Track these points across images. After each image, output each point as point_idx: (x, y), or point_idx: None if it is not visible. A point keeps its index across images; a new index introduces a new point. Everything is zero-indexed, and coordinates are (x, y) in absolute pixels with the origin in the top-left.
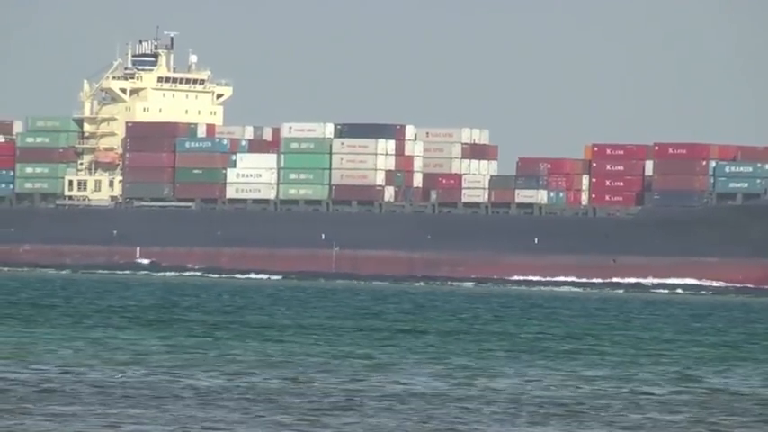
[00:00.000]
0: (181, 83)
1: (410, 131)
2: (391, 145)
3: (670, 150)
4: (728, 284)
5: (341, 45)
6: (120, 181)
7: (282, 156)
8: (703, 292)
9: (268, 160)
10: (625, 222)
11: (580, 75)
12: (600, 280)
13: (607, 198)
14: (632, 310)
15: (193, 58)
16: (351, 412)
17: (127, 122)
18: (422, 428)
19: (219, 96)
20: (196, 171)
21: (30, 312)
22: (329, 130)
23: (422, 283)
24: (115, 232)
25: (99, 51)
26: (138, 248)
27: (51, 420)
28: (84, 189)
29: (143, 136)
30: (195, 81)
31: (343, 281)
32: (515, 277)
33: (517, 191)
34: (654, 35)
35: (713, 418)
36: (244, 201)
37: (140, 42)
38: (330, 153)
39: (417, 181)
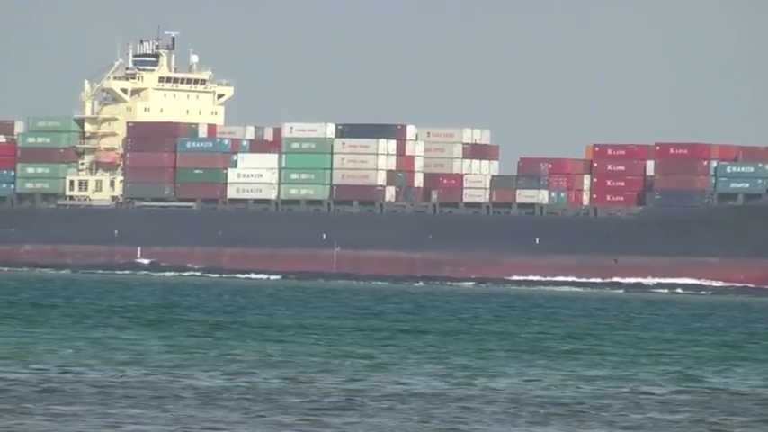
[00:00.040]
0: (182, 83)
1: (411, 131)
2: (392, 145)
3: (671, 150)
4: (729, 284)
5: (342, 45)
6: (121, 181)
7: (283, 156)
8: (703, 292)
9: (269, 160)
10: (626, 222)
11: (581, 75)
12: (601, 280)
13: (608, 198)
14: (633, 310)
15: (194, 59)
16: (351, 412)
17: (128, 122)
18: (422, 428)
19: (220, 96)
20: (197, 171)
21: (30, 312)
22: (330, 130)
23: (421, 283)
24: (116, 232)
25: (100, 51)
26: (139, 248)
27: (52, 420)
28: (86, 189)
29: (144, 136)
30: (196, 81)
31: (342, 281)
32: (516, 277)
33: (518, 191)
34: (655, 35)
35: (714, 417)
36: (245, 201)
37: (141, 42)
38: (331, 153)
39: (418, 181)
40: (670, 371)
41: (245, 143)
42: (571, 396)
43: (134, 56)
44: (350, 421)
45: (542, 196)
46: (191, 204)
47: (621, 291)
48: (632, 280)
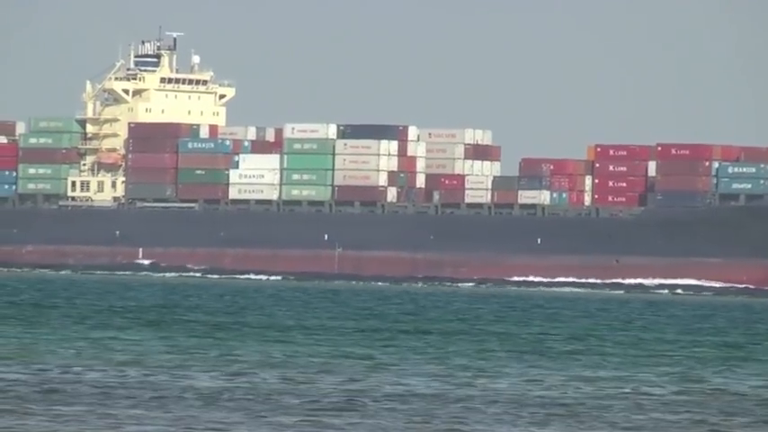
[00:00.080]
0: (183, 83)
1: (413, 132)
2: (394, 146)
3: (673, 151)
4: (731, 285)
5: (344, 46)
6: (122, 182)
7: (285, 156)
8: (705, 293)
9: (271, 161)
10: (628, 223)
11: (583, 75)
12: (603, 281)
13: (610, 199)
14: (634, 311)
15: (196, 59)
16: (352, 413)
17: (129, 123)
18: (423, 429)
19: (222, 97)
20: (199, 172)
21: (31, 313)
22: (332, 130)
23: (420, 284)
24: (118, 233)
25: (101, 52)
26: (140, 249)
27: (53, 421)
28: (87, 190)
29: (146, 137)
30: (198, 82)
31: (341, 281)
32: (518, 278)
33: (520, 191)
34: (656, 35)
35: (715, 418)
36: (246, 201)
37: (143, 43)
38: (333, 154)
39: (420, 182)
40: (671, 371)
41: (246, 144)
42: (572, 397)
43: (135, 56)
44: (351, 422)
45: (544, 197)
46: (192, 205)
47: (622, 291)
48: (634, 281)
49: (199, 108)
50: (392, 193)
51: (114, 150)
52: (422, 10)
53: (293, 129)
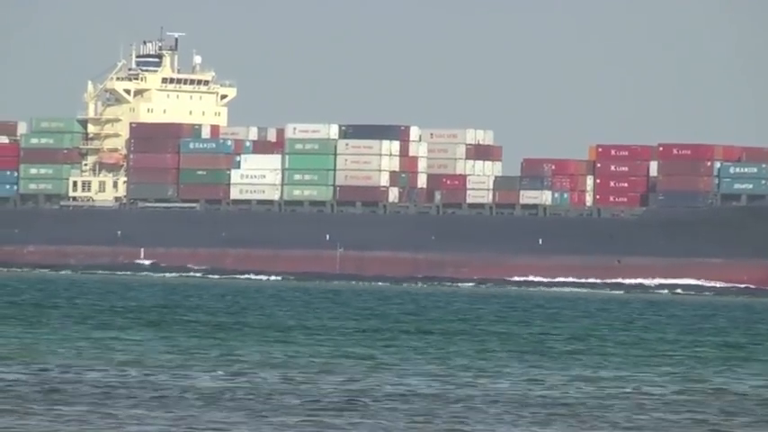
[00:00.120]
0: (185, 84)
1: (414, 132)
2: (395, 146)
3: (674, 151)
4: (733, 285)
5: (345, 46)
6: (124, 182)
7: (287, 157)
8: (705, 293)
9: (272, 161)
10: (629, 223)
11: (584, 75)
12: (604, 281)
13: (611, 199)
14: (635, 311)
15: (197, 59)
16: (353, 413)
17: (131, 123)
18: (425, 429)
19: (224, 97)
20: (200, 172)
21: (32, 313)
22: (333, 130)
23: (420, 284)
24: (119, 233)
25: (103, 52)
26: (142, 249)
27: (54, 421)
28: (89, 190)
29: (147, 137)
30: (199, 82)
31: (341, 282)
32: (520, 278)
33: (521, 192)
34: (658, 36)
35: (716, 418)
36: (248, 202)
37: (144, 43)
38: (334, 154)
39: (422, 182)
40: (672, 371)
41: (248, 144)
42: (573, 397)
43: (137, 56)
44: (352, 422)
45: (545, 197)
46: (194, 205)
47: (623, 291)
48: (635, 281)
49: (200, 108)
50: (394, 194)
51: (116, 150)
52: (423, 10)
53: (295, 129)
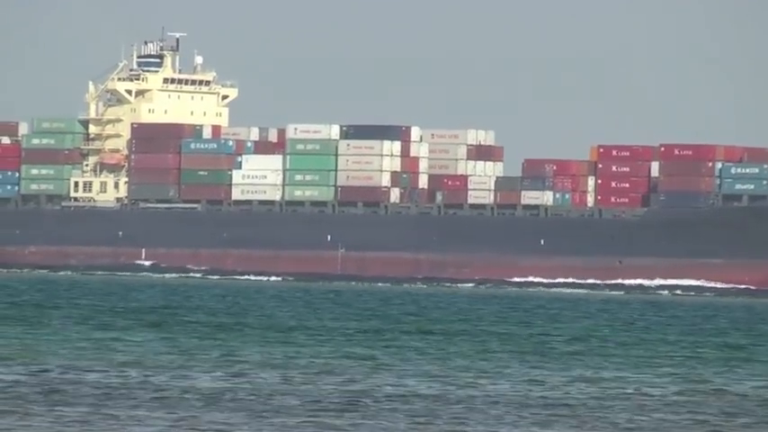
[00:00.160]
0: (186, 84)
1: (416, 133)
2: (397, 146)
3: (676, 152)
4: (735, 286)
5: (346, 46)
6: (125, 182)
7: (288, 157)
8: (707, 293)
9: (274, 161)
10: (631, 224)
11: (585, 76)
12: (606, 281)
13: (613, 199)
14: (636, 312)
15: (199, 60)
16: (354, 413)
17: (132, 124)
18: (425, 429)
19: (225, 98)
20: (202, 172)
21: (33, 314)
22: (335, 131)
23: (419, 284)
24: (120, 234)
25: (104, 53)
26: (143, 250)
27: (55, 421)
28: (90, 190)
29: (148, 137)
30: (201, 82)
31: (340, 282)
32: (521, 279)
33: (523, 192)
34: (660, 36)
35: (717, 419)
36: (249, 202)
37: (145, 43)
38: (336, 154)
39: (423, 182)
40: (673, 372)
41: (249, 144)
42: (574, 398)
43: (138, 57)
44: (353, 422)
45: (547, 197)
46: (195, 206)
47: (626, 292)
48: (638, 281)
49: (202, 108)
50: (395, 194)
51: (117, 151)
52: (425, 10)
53: (296, 129)
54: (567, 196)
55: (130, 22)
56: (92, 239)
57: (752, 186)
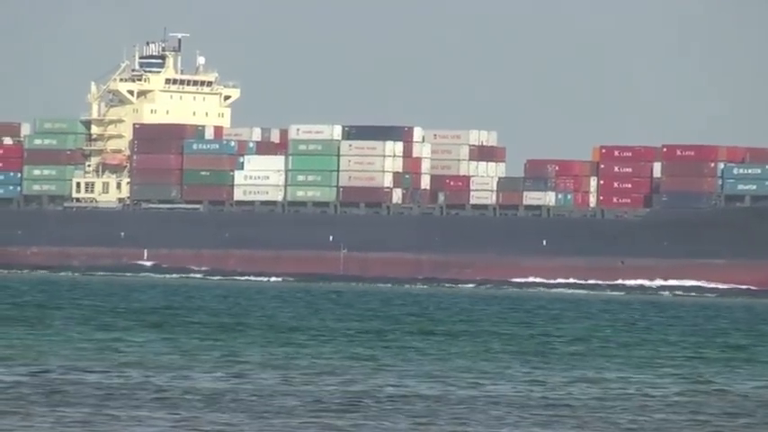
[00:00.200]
0: (188, 84)
1: (418, 133)
2: (399, 147)
3: (678, 152)
4: (736, 286)
5: (348, 46)
6: (127, 183)
7: (290, 157)
8: (707, 294)
9: (276, 162)
10: (633, 224)
11: (588, 76)
12: (608, 282)
13: (615, 200)
14: (638, 312)
15: (201, 60)
16: (356, 414)
17: (134, 124)
18: (427, 430)
19: (227, 98)
20: (204, 173)
21: (35, 314)
22: (337, 131)
23: (420, 285)
24: (123, 234)
25: (106, 53)
26: (145, 250)
27: (57, 422)
28: (92, 191)
29: (150, 138)
30: (203, 83)
31: (340, 283)
32: (523, 279)
33: (525, 193)
34: (661, 36)
35: (719, 419)
36: (251, 203)
37: (147, 44)
38: (338, 155)
39: (425, 183)
40: (675, 373)
41: (251, 145)
42: (576, 398)
43: (140, 57)
44: (354, 423)
45: (549, 198)
46: (197, 206)
47: (628, 293)
48: (640, 282)
49: (204, 109)
50: (397, 195)
51: (119, 151)
52: (427, 11)
53: (298, 130)
54: (569, 197)
55: (132, 23)
56: (94, 240)
57: (754, 187)
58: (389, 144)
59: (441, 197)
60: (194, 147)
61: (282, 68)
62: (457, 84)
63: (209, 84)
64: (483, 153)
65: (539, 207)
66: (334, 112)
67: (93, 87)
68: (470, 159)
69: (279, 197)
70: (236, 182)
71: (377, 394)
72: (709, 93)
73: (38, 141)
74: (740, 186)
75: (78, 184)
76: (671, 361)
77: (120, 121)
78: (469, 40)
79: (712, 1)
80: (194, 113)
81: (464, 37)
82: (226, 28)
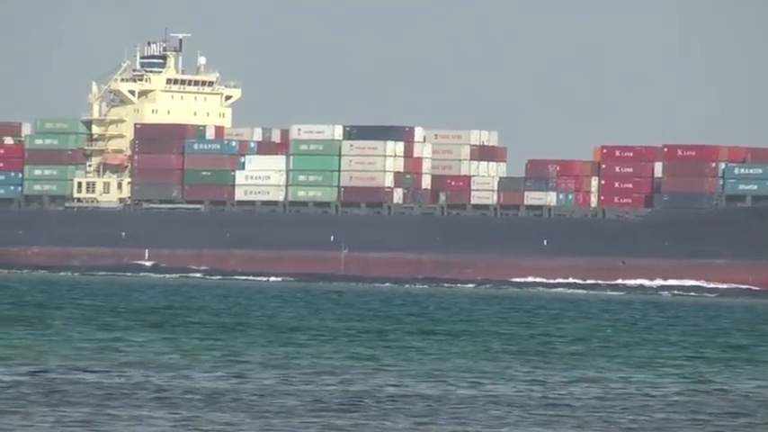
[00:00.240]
0: (189, 84)
1: (419, 133)
2: (400, 147)
3: (679, 152)
4: (737, 286)
5: (349, 46)
6: (128, 183)
7: (291, 157)
8: (707, 294)
9: (277, 162)
10: (634, 224)
11: (588, 76)
12: (609, 282)
13: (616, 200)
14: (639, 312)
15: (202, 60)
16: (356, 413)
17: (135, 124)
18: (427, 430)
19: (228, 98)
20: (205, 173)
21: (35, 314)
22: (338, 131)
23: (420, 285)
24: (123, 234)
25: (107, 53)
26: (146, 251)
27: (57, 422)
28: (93, 191)
29: (152, 138)
30: (204, 83)
31: (341, 283)
32: (524, 279)
33: (526, 193)
34: (662, 36)
35: (720, 419)
36: (253, 203)
37: (149, 44)
38: (339, 155)
39: (426, 183)
40: (675, 372)
41: (252, 145)
42: (576, 398)
43: (141, 57)
44: (355, 422)
45: (550, 198)
46: (198, 206)
47: (629, 293)
48: (640, 282)
49: (205, 109)
50: (398, 195)
51: (120, 151)
52: (428, 10)
53: (299, 130)
54: (570, 197)
55: (133, 23)
56: (95, 240)
57: (755, 187)
58: (390, 144)
59: (442, 197)
60: (195, 147)
61: (283, 68)
62: (458, 84)
63: (211, 84)
64: (484, 153)
65: (540, 207)
66: (335, 112)
67: (95, 87)
68: (471, 159)
69: (280, 197)
70: (237, 182)
71: (377, 394)
72: (710, 92)
73: (39, 141)
74: (741, 186)
75: (79, 184)
76: (671, 361)
77: (122, 121)
78: (470, 39)
79: (712, 1)
80: (195, 113)
81: (465, 37)
82: (227, 28)
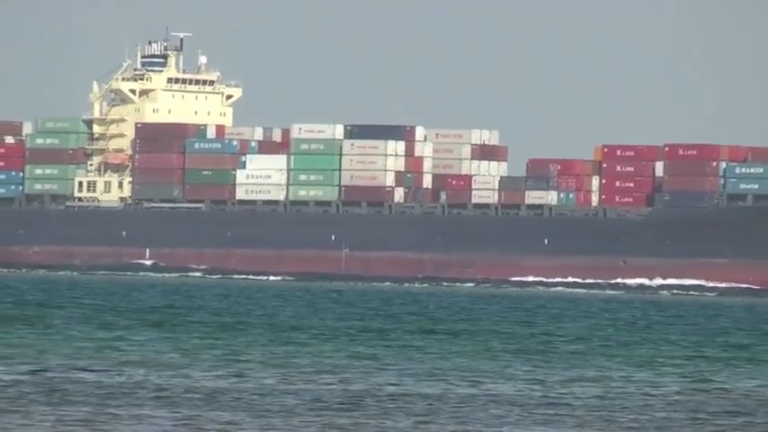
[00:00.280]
0: (190, 84)
1: (420, 132)
2: (401, 146)
3: (680, 151)
4: (737, 285)
5: (350, 46)
6: (129, 182)
7: (292, 157)
8: (707, 293)
9: (278, 161)
10: (635, 223)
11: (589, 76)
12: (610, 281)
13: (617, 199)
14: (639, 311)
15: (203, 59)
16: (357, 412)
17: (136, 123)
18: (428, 429)
19: (229, 97)
20: (206, 172)
21: (36, 313)
22: (339, 131)
23: (420, 284)
24: (124, 233)
25: (108, 52)
26: (147, 250)
27: (58, 421)
28: (94, 190)
29: (152, 137)
30: (205, 82)
31: (341, 282)
32: (525, 278)
33: (527, 192)
34: (663, 35)
35: (720, 419)
36: (253, 202)
37: (150, 43)
38: (340, 154)
39: (427, 182)
40: (675, 371)
41: (253, 144)
42: (576, 397)
43: (142, 57)
44: (356, 421)
45: (551, 197)
46: (199, 206)
47: (630, 292)
48: (641, 281)
49: (206, 108)
50: (399, 194)
51: (121, 151)
52: (428, 10)
53: (300, 129)
54: (571, 196)
55: (134, 22)
56: (96, 239)
57: (756, 186)
58: (391, 143)
59: (442, 196)
60: (196, 146)
61: (284, 68)
62: (459, 83)
63: (211, 83)
64: (485, 152)
65: (540, 206)
66: (336, 112)
67: (95, 87)
68: (472, 158)
69: (281, 196)
70: (237, 181)
71: (377, 393)
72: (711, 92)
73: (40, 140)
74: (742, 185)
75: (80, 184)
76: (672, 360)
77: (122, 120)
78: (471, 39)
79: (712, 1)
80: (196, 113)
81: (465, 36)
82: (228, 27)
